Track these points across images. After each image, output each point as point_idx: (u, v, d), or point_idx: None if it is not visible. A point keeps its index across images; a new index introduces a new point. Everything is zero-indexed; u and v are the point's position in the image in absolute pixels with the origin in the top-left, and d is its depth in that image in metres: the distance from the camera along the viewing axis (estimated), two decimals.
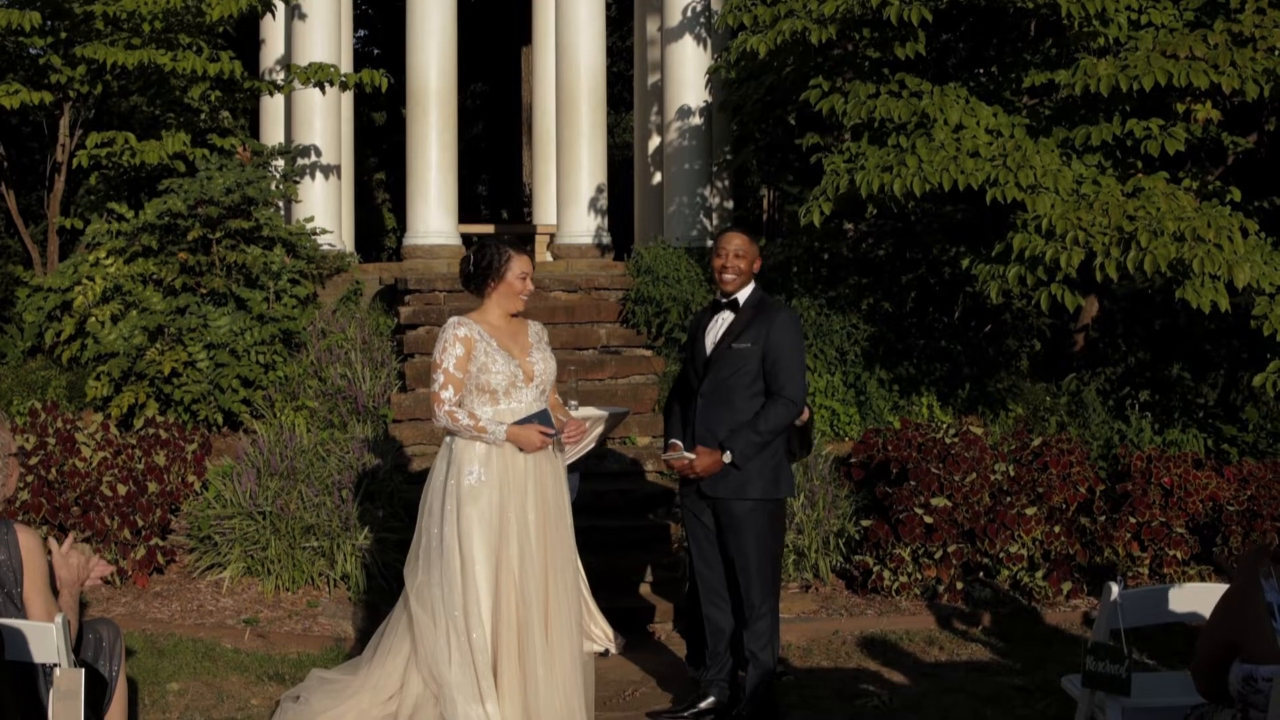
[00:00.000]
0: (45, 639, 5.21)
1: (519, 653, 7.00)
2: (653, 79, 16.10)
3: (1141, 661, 8.09)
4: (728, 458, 7.21)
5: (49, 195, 14.11)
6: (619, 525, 10.39)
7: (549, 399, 7.34)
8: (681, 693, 7.84)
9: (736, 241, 7.45)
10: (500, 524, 7.00)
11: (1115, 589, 5.60)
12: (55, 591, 5.61)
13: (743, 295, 7.44)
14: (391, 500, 10.00)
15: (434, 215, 15.36)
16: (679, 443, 7.45)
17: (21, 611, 5.43)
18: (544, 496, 7.12)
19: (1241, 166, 11.80)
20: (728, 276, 7.41)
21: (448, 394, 7.05)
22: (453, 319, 7.23)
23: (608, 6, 17.75)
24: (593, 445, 9.13)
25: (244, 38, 16.38)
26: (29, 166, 16.10)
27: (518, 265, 7.25)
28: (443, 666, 6.97)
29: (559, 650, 7.05)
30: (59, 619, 5.25)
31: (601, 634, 8.72)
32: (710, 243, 14.16)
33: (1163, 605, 5.84)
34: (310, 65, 14.17)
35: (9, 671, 4.64)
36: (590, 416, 8.83)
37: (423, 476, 7.56)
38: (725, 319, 7.45)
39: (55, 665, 5.23)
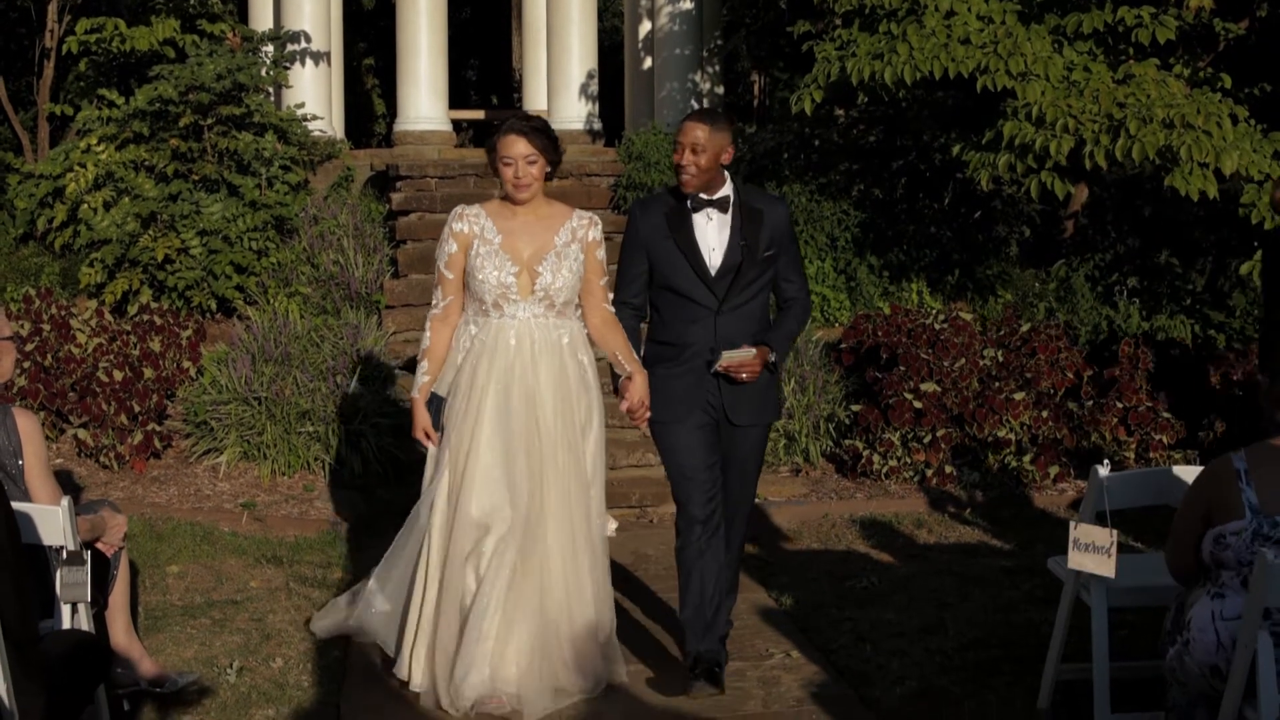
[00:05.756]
0: (52, 521, 5.29)
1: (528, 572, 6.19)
2: None
3: (1126, 543, 8.20)
4: (772, 356, 6.31)
5: (38, 82, 14.06)
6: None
7: (597, 318, 6.40)
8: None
9: (696, 133, 6.16)
10: (494, 423, 6.14)
11: (1103, 470, 5.68)
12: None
13: (729, 192, 6.33)
14: (385, 385, 10.08)
15: (424, 100, 15.32)
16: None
17: (25, 495, 5.50)
18: (536, 407, 6.22)
19: (1232, 53, 11.76)
20: (686, 177, 6.20)
21: (436, 296, 6.24)
22: (457, 208, 6.26)
23: None
24: None
25: None
26: (17, 53, 16.01)
27: (501, 146, 6.09)
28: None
29: (571, 573, 6.26)
30: (65, 501, 5.33)
31: None
32: None
33: (1148, 487, 5.93)
34: None
35: (24, 555, 4.72)
36: None
37: (414, 362, 7.55)
38: (719, 220, 6.31)
39: (62, 547, 5.32)
